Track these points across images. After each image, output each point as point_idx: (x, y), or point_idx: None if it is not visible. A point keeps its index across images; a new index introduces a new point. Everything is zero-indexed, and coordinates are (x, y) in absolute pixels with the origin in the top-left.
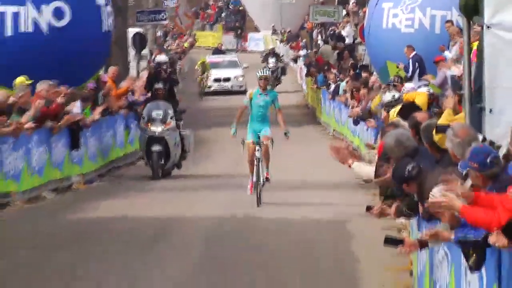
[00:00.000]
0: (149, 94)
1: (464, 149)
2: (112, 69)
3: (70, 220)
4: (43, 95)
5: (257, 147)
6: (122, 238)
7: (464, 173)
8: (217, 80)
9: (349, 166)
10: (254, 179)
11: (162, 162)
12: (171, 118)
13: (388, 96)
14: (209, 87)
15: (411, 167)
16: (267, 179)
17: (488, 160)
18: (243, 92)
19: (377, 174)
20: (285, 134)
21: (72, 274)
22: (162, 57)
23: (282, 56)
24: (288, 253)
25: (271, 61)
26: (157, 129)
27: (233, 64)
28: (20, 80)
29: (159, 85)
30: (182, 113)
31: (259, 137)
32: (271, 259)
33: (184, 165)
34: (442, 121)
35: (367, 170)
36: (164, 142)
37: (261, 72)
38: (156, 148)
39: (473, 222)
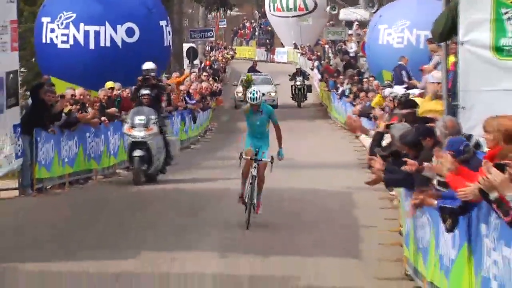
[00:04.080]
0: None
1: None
2: (175, 74)
3: (137, 191)
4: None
5: (254, 164)
6: (179, 205)
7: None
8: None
9: (356, 137)
10: (246, 199)
11: (145, 167)
12: (153, 123)
13: (401, 90)
14: (243, 101)
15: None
16: (256, 212)
17: (461, 148)
18: (275, 106)
19: (371, 148)
20: (278, 154)
21: (137, 231)
22: (150, 64)
23: (309, 75)
24: (302, 217)
25: (299, 79)
26: (139, 134)
27: (266, 81)
28: (109, 84)
29: (145, 92)
30: (166, 119)
31: (257, 153)
32: (287, 221)
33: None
34: (423, 105)
35: (368, 143)
36: (147, 147)
37: (250, 99)
38: (138, 153)
39: (452, 185)
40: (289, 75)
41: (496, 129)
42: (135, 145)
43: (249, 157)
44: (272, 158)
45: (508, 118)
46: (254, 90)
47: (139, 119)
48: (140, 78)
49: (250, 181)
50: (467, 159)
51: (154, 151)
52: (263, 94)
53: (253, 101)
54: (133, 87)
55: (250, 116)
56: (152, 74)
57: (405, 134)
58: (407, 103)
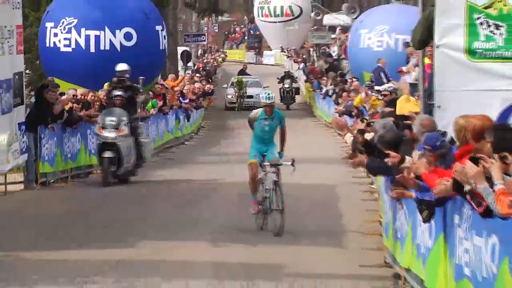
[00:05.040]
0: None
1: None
2: (171, 76)
3: (135, 184)
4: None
5: (273, 169)
6: (175, 197)
7: (419, 154)
8: (241, 97)
9: (343, 136)
10: (269, 205)
11: (114, 168)
12: (125, 125)
13: (384, 85)
14: (234, 102)
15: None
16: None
17: (437, 144)
18: None
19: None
20: (279, 155)
21: (142, 219)
22: (124, 66)
23: (297, 78)
24: (289, 209)
25: (287, 82)
26: (109, 135)
27: (256, 84)
28: (108, 85)
29: (119, 93)
30: (139, 120)
31: (263, 157)
32: None
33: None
34: (402, 104)
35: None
36: (116, 149)
37: (265, 98)
38: (107, 154)
39: (428, 183)
40: (277, 78)
41: (464, 128)
42: (105, 146)
43: (256, 159)
44: (293, 160)
45: (476, 118)
46: (267, 92)
47: (110, 120)
48: (114, 79)
49: (273, 187)
50: (443, 154)
51: (124, 152)
52: (252, 96)
53: (269, 100)
54: (108, 88)
55: (259, 122)
56: (127, 75)
57: (383, 135)
58: (391, 102)
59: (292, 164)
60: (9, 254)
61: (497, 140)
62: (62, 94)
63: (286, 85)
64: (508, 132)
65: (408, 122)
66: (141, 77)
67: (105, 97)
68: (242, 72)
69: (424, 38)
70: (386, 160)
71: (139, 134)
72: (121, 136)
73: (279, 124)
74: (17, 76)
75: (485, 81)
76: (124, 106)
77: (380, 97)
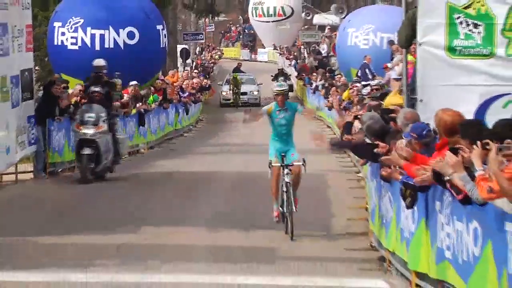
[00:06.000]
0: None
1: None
2: (171, 72)
3: (138, 173)
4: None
5: (286, 170)
6: (175, 185)
7: (405, 143)
8: (237, 94)
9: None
10: (284, 209)
11: (92, 165)
12: (103, 121)
13: (374, 81)
14: (229, 99)
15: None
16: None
17: (423, 133)
18: (258, 104)
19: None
20: (303, 164)
21: (137, 209)
22: (101, 61)
23: (290, 75)
24: None
25: (280, 79)
26: (88, 131)
27: (250, 81)
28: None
29: (96, 89)
30: (116, 117)
31: (283, 158)
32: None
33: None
34: (389, 99)
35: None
36: (95, 145)
37: (277, 86)
38: (86, 151)
39: (409, 173)
40: (271, 75)
41: (437, 123)
42: (84, 142)
43: (279, 164)
44: (304, 160)
45: (447, 114)
46: (278, 82)
47: (88, 116)
48: (92, 75)
49: (285, 189)
50: (427, 143)
51: (102, 149)
52: (246, 93)
53: (281, 87)
54: (85, 83)
55: (274, 116)
56: (104, 71)
57: (371, 125)
58: (380, 96)
59: (303, 164)
60: (18, 238)
61: (462, 134)
62: (66, 88)
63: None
64: (471, 126)
65: (393, 115)
66: (117, 72)
67: (81, 92)
68: (237, 70)
69: (409, 37)
70: (375, 150)
71: (116, 131)
72: (100, 132)
73: (294, 115)
74: (26, 73)
75: (464, 76)
76: (102, 102)
77: (365, 92)
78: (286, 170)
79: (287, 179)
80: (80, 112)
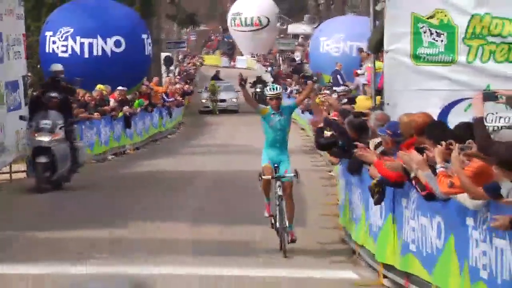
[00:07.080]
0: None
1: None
2: (155, 79)
3: (125, 172)
4: (114, 97)
5: (278, 183)
6: (160, 183)
7: (377, 142)
8: (214, 101)
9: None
10: (278, 224)
11: (48, 174)
12: (60, 128)
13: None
14: (208, 106)
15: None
16: (292, 240)
17: (398, 132)
18: (237, 111)
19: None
20: (295, 175)
21: (130, 206)
22: (58, 66)
23: (267, 82)
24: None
25: (259, 86)
26: (44, 139)
27: (229, 88)
28: (100, 86)
29: (53, 94)
30: (74, 124)
31: (276, 168)
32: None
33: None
34: (363, 102)
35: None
36: (51, 153)
37: (269, 90)
38: (41, 159)
39: (379, 169)
40: (249, 83)
41: (407, 124)
42: (39, 150)
43: (270, 177)
44: (296, 171)
45: (417, 115)
46: (272, 85)
47: (44, 123)
48: (48, 80)
49: (277, 203)
50: (398, 142)
51: (58, 157)
52: (225, 100)
53: (274, 90)
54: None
55: (269, 119)
56: (61, 76)
57: (352, 119)
58: (349, 100)
59: (296, 176)
60: (14, 233)
61: (427, 135)
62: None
63: (258, 90)
64: (435, 128)
65: (365, 118)
66: (77, 78)
67: (38, 99)
68: (215, 77)
69: (378, 44)
70: (355, 151)
71: (74, 138)
72: (56, 140)
73: (289, 118)
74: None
75: (428, 82)
76: (60, 108)
77: (335, 96)
78: (278, 183)
79: (279, 192)
80: (35, 119)
